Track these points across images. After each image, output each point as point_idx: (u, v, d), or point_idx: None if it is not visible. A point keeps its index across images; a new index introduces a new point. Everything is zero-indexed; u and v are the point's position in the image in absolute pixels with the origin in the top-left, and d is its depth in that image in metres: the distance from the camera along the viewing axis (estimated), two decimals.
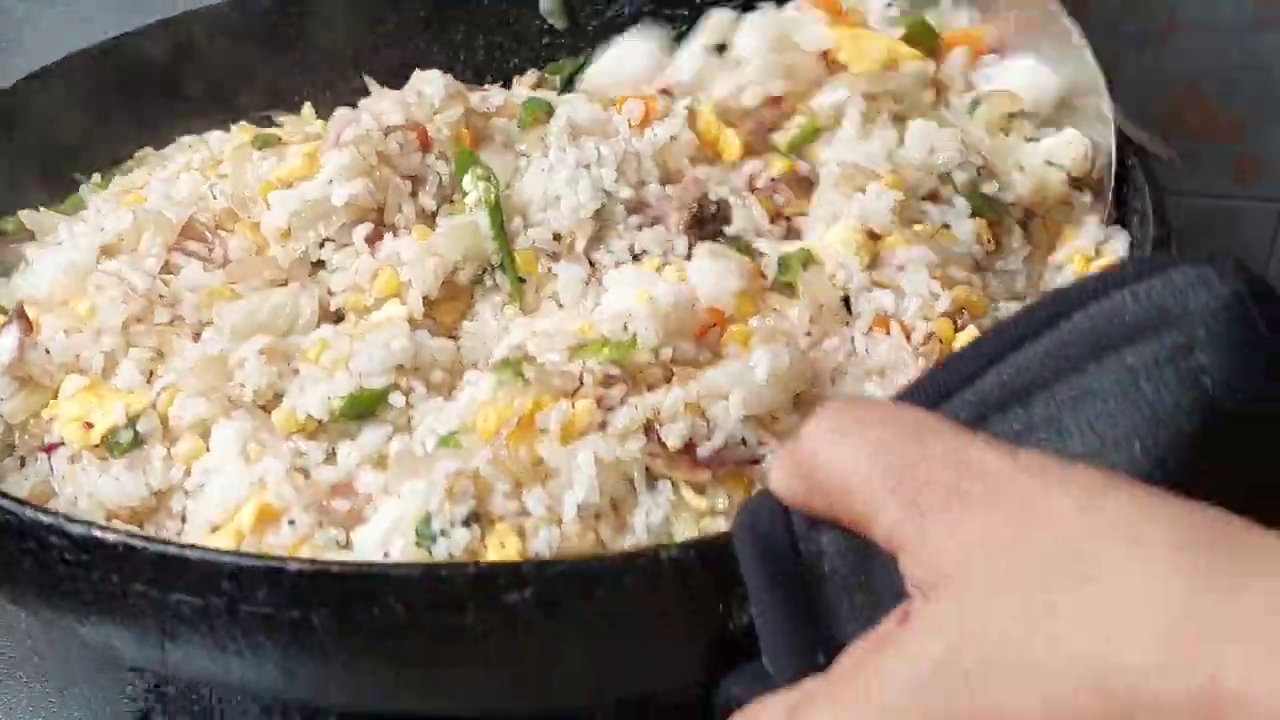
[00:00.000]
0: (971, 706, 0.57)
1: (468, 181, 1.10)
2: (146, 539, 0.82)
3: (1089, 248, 1.22)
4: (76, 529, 0.81)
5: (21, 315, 1.06)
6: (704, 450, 0.96)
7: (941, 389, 0.68)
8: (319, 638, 0.79)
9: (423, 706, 0.87)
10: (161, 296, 1.07)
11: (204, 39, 1.34)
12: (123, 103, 1.31)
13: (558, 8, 1.43)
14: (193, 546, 0.82)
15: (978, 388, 0.66)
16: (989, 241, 1.16)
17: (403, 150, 1.11)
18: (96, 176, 1.27)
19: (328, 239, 1.12)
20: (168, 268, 1.10)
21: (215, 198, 1.14)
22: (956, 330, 1.06)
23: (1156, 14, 2.11)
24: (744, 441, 0.97)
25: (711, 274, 1.06)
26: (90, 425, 1.01)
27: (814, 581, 0.67)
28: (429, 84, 1.20)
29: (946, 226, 1.15)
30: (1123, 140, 1.20)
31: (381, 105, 1.16)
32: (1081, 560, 0.57)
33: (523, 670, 0.83)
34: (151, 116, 1.33)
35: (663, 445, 0.96)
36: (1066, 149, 1.25)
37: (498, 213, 1.08)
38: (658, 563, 0.79)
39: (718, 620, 0.78)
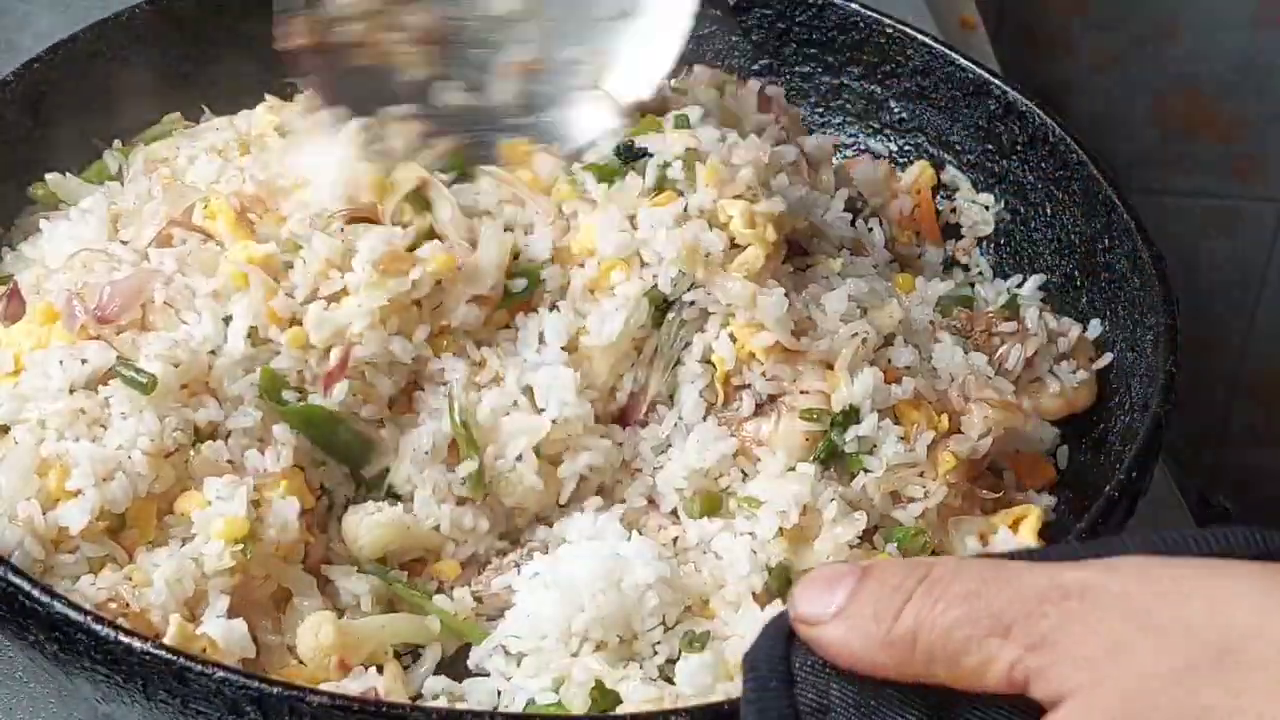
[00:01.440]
0: None
1: None
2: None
3: None
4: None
5: (15, 295, 1.04)
6: None
7: None
8: None
9: None
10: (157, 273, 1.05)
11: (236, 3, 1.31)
12: (153, 68, 1.28)
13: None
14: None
15: None
16: None
17: None
18: (117, 143, 1.26)
19: None
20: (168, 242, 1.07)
21: (244, 182, 1.10)
22: None
23: (1156, 14, 2.11)
24: None
25: None
26: None
27: None
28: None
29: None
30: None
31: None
32: (1229, 653, 0.57)
33: None
34: (181, 83, 1.29)
35: None
36: None
37: None
38: None
39: None
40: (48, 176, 1.19)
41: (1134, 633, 0.59)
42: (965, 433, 1.05)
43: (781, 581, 0.97)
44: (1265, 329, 2.30)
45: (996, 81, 1.24)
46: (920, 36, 1.27)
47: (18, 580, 0.84)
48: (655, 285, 1.02)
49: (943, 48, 1.26)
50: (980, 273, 1.25)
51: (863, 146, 1.31)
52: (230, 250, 1.02)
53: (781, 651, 0.66)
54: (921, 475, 1.02)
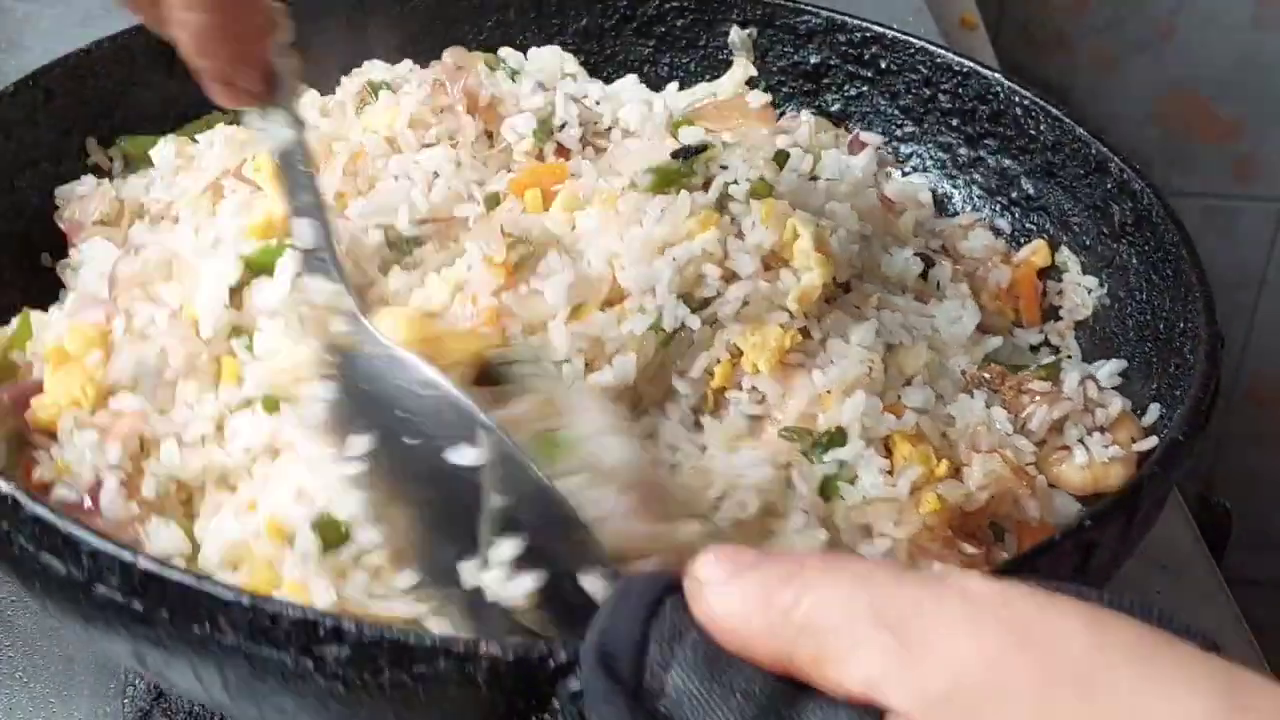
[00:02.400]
0: None
1: None
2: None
3: None
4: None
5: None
6: None
7: None
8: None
9: None
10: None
11: None
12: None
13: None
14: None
15: None
16: None
17: None
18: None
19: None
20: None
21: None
22: None
23: (1156, 14, 2.11)
24: None
25: None
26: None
27: None
28: None
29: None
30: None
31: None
32: (1093, 682, 0.57)
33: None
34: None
35: None
36: None
37: None
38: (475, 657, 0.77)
39: None
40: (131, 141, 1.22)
41: (1011, 647, 0.59)
42: (963, 482, 0.99)
43: None
44: (1265, 329, 2.30)
45: (1115, 159, 1.19)
46: (1053, 110, 1.24)
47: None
48: (660, 321, 0.99)
49: (1072, 122, 1.23)
50: (1069, 355, 1.18)
51: (988, 222, 1.29)
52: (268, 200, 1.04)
53: (657, 589, 0.67)
54: (900, 513, 0.97)
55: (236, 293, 1.02)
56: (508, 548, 0.83)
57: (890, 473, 0.98)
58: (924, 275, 1.15)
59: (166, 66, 1.25)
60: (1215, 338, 1.04)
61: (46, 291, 1.15)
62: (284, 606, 0.77)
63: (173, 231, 1.10)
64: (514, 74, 1.23)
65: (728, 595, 0.65)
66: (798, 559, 0.65)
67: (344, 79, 1.25)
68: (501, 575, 0.82)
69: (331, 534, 0.91)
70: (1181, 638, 0.59)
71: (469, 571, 0.83)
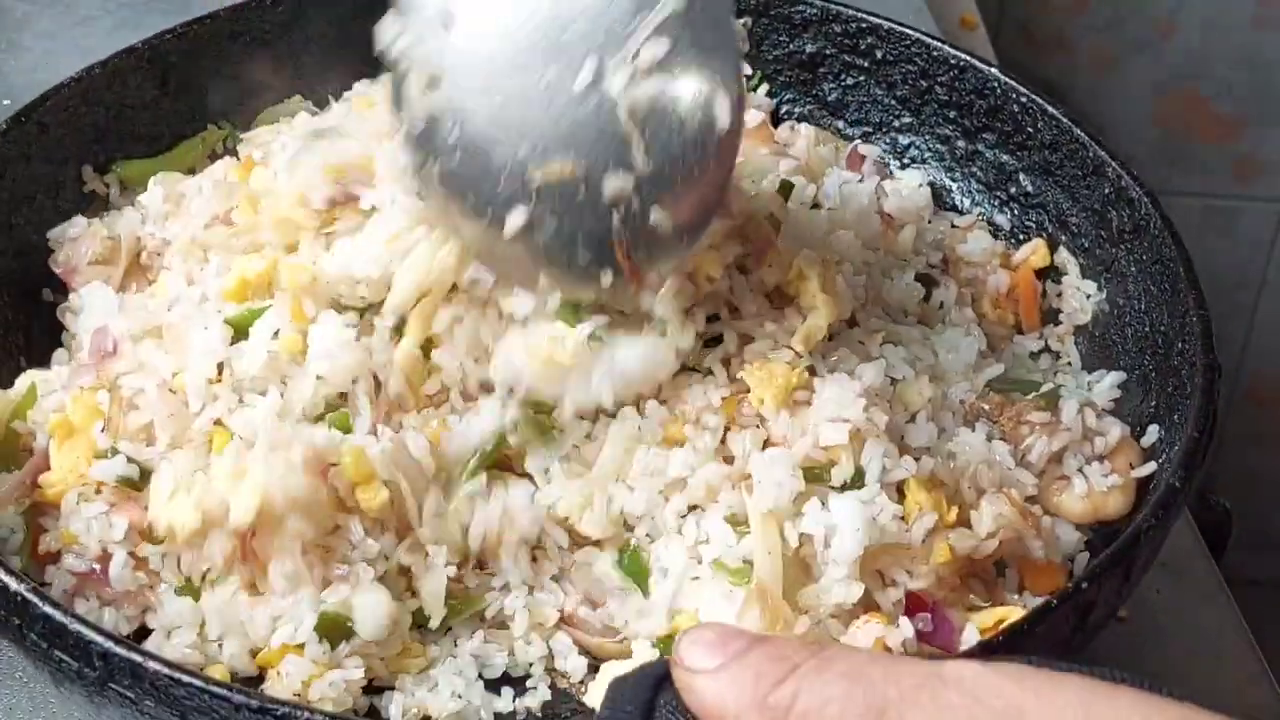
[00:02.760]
0: None
1: None
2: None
3: None
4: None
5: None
6: None
7: None
8: None
9: None
10: None
11: None
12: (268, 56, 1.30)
13: None
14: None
15: None
16: None
17: None
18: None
19: None
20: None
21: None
22: None
23: (1156, 14, 2.11)
24: None
25: None
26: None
27: None
28: None
29: None
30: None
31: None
32: None
33: None
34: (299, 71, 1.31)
35: None
36: None
37: None
38: None
39: None
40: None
41: None
42: (973, 529, 1.00)
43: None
44: (1265, 329, 2.30)
45: (1114, 164, 1.18)
46: (1050, 109, 1.24)
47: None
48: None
49: (1069, 122, 1.23)
50: (1069, 363, 1.19)
51: (988, 217, 1.29)
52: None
53: (649, 688, 0.67)
54: (912, 560, 0.98)
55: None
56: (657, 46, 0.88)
57: (904, 518, 0.98)
58: (926, 298, 1.15)
59: (158, 86, 1.25)
60: (1212, 369, 1.03)
61: (48, 334, 1.14)
62: (295, 710, 0.80)
63: (163, 284, 1.10)
64: None
65: (718, 685, 0.65)
66: (786, 647, 0.65)
67: None
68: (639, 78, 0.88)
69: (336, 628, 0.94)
70: (1176, 701, 0.59)
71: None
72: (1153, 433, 1.08)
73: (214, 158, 1.25)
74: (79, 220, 1.17)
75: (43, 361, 1.12)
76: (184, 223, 1.13)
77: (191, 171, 1.21)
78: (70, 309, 1.14)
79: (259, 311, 1.02)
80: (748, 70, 1.33)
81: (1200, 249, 1.13)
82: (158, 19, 1.46)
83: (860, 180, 1.22)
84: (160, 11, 1.52)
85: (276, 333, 1.01)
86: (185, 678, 0.81)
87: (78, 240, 1.16)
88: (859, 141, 1.31)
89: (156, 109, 1.25)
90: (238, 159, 1.20)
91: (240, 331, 1.02)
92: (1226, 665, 1.15)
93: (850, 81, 1.34)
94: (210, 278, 1.07)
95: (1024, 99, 1.25)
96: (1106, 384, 1.14)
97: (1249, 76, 2.12)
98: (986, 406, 1.08)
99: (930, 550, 0.97)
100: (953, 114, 1.30)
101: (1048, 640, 0.88)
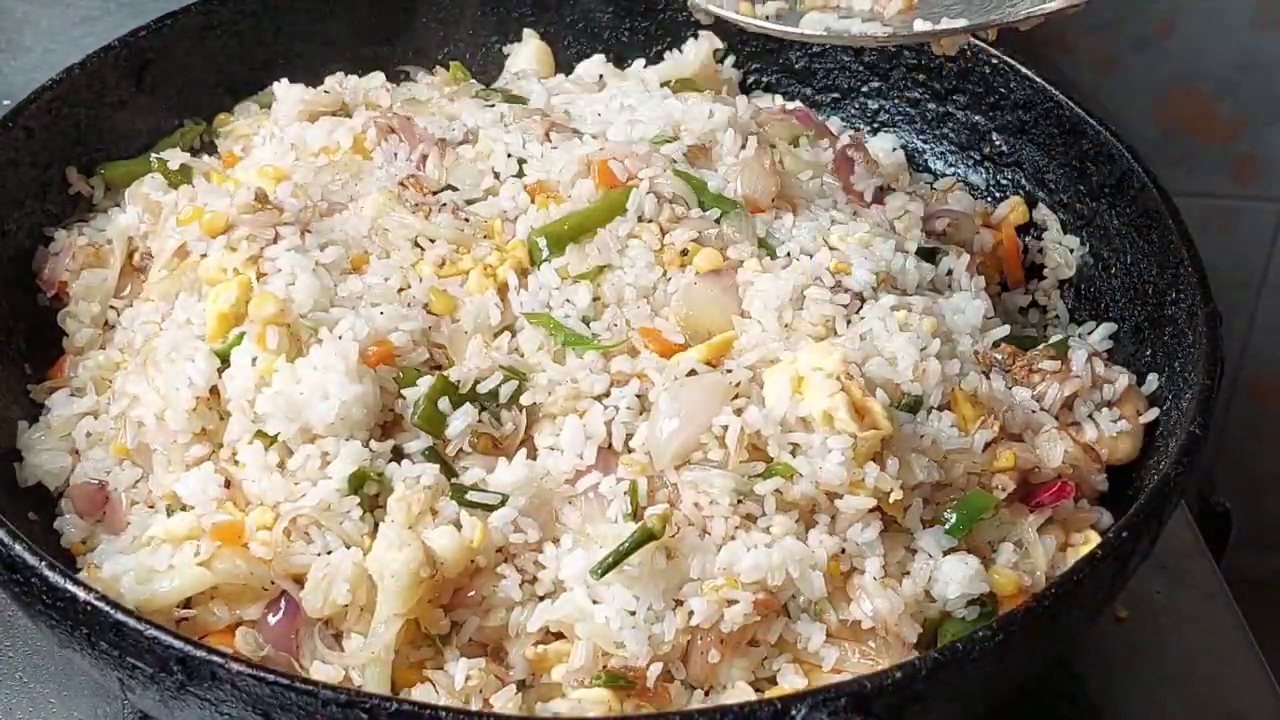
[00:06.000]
0: None
1: None
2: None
3: None
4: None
5: None
6: None
7: None
8: None
9: None
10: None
11: None
12: (266, 43, 1.29)
13: None
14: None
15: None
16: None
17: None
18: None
19: None
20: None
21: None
22: None
23: (1156, 14, 2.11)
24: None
25: None
26: None
27: None
28: None
29: None
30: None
31: None
32: None
33: None
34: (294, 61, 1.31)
35: None
36: None
37: None
38: None
39: None
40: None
41: None
42: (1039, 454, 1.05)
43: None
44: (1265, 328, 2.29)
45: (1091, 122, 1.20)
46: (1023, 69, 1.24)
47: None
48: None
49: (1044, 82, 1.24)
50: (1056, 316, 1.22)
51: (962, 177, 1.30)
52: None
53: None
54: (976, 466, 1.02)
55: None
56: None
57: (960, 428, 1.03)
58: (933, 261, 1.17)
59: (135, 83, 1.25)
60: (1214, 316, 1.07)
61: (46, 336, 1.14)
62: (381, 701, 0.82)
63: (146, 312, 1.11)
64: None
65: None
66: None
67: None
68: None
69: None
70: None
71: None
72: (1152, 381, 1.12)
73: (194, 153, 1.24)
74: (59, 233, 1.17)
75: (44, 366, 1.12)
76: (162, 241, 1.12)
77: (175, 174, 1.21)
78: (70, 314, 1.14)
79: (235, 342, 1.03)
80: (717, 43, 1.33)
81: (1200, 249, 1.13)
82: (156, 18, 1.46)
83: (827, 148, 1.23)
84: (160, 12, 1.52)
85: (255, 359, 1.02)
86: (270, 676, 0.82)
87: (59, 256, 1.16)
88: (847, 130, 1.30)
89: (135, 106, 1.25)
90: (218, 154, 1.20)
91: (225, 360, 1.03)
92: (1226, 665, 1.15)
93: (817, 49, 1.34)
94: (193, 302, 1.08)
95: (995, 60, 1.27)
96: (1098, 335, 1.17)
97: (1249, 76, 2.12)
98: (999, 356, 1.12)
99: (993, 457, 1.02)
100: (921, 77, 1.31)
101: (1093, 586, 0.93)
